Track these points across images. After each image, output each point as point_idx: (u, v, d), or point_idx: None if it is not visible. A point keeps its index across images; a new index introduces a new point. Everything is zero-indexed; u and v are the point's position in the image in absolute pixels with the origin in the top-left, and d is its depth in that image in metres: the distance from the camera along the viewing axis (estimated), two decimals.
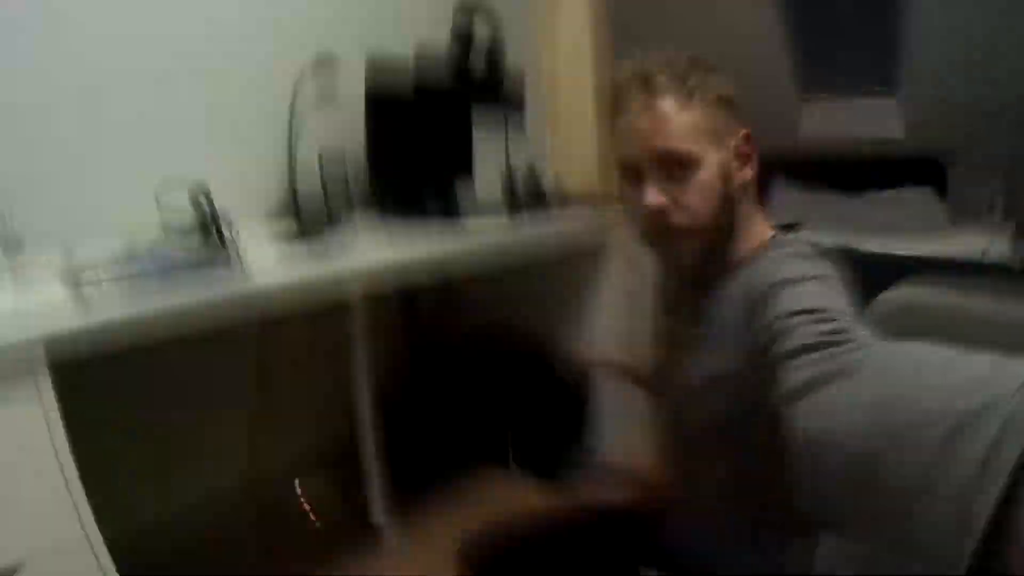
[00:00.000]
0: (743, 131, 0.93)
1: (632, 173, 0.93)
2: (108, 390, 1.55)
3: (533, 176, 2.20)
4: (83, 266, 0.97)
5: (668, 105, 0.89)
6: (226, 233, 1.13)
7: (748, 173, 0.94)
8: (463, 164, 2.07)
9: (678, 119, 0.89)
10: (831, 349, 0.66)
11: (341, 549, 1.71)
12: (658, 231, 0.94)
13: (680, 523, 1.17)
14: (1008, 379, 0.43)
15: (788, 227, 1.03)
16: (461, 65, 2.17)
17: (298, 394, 2.00)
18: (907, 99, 3.50)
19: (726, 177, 0.92)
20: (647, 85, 0.90)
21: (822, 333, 0.68)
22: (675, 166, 0.90)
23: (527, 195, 2.15)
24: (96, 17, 1.41)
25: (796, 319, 0.73)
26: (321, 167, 1.72)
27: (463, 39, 2.20)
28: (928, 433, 0.43)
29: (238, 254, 1.12)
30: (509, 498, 1.96)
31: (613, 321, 2.08)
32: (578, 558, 1.28)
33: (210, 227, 1.13)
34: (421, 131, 1.93)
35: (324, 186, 1.71)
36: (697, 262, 0.98)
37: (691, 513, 1.14)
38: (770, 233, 0.97)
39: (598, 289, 2.10)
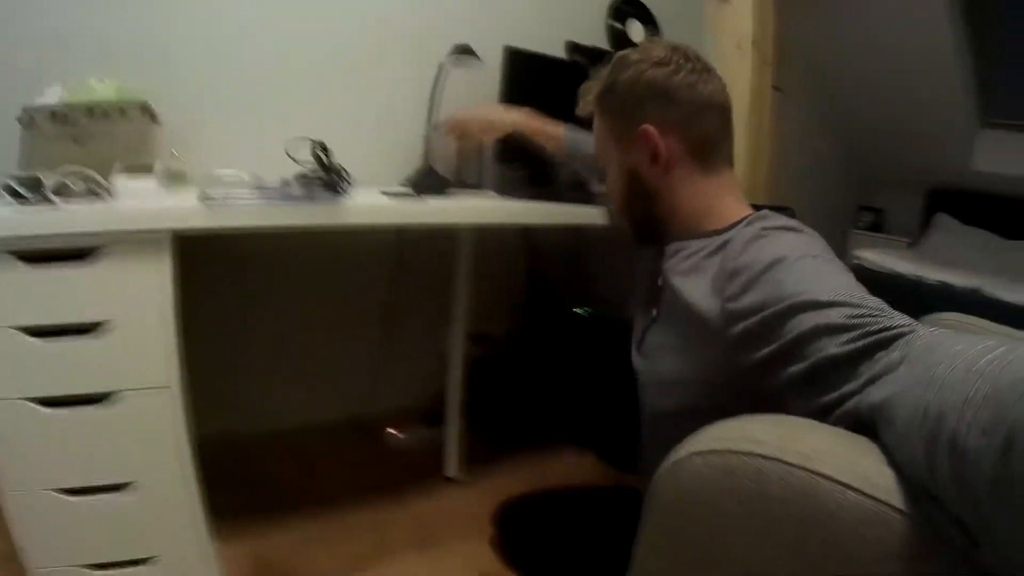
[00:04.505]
0: (639, 128, 0.93)
1: None
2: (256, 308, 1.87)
3: None
4: (216, 188, 1.22)
5: (593, 120, 1.06)
6: (337, 180, 1.34)
7: (660, 168, 0.94)
8: None
9: (594, 131, 1.06)
10: (878, 354, 0.60)
11: (413, 491, 1.79)
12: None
13: None
14: None
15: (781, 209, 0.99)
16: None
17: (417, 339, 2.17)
18: None
19: (632, 172, 0.98)
20: (583, 101, 1.06)
21: (858, 335, 0.62)
22: (605, 165, 1.06)
23: None
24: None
25: (816, 313, 0.66)
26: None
27: (615, 37, 2.29)
28: (983, 445, 0.40)
29: (340, 194, 1.32)
30: (579, 475, 1.97)
31: None
32: (598, 540, 1.26)
33: (325, 174, 1.35)
34: (557, 118, 1.98)
35: (458, 163, 1.87)
36: (636, 238, 1.08)
37: None
38: (744, 212, 0.94)
39: None
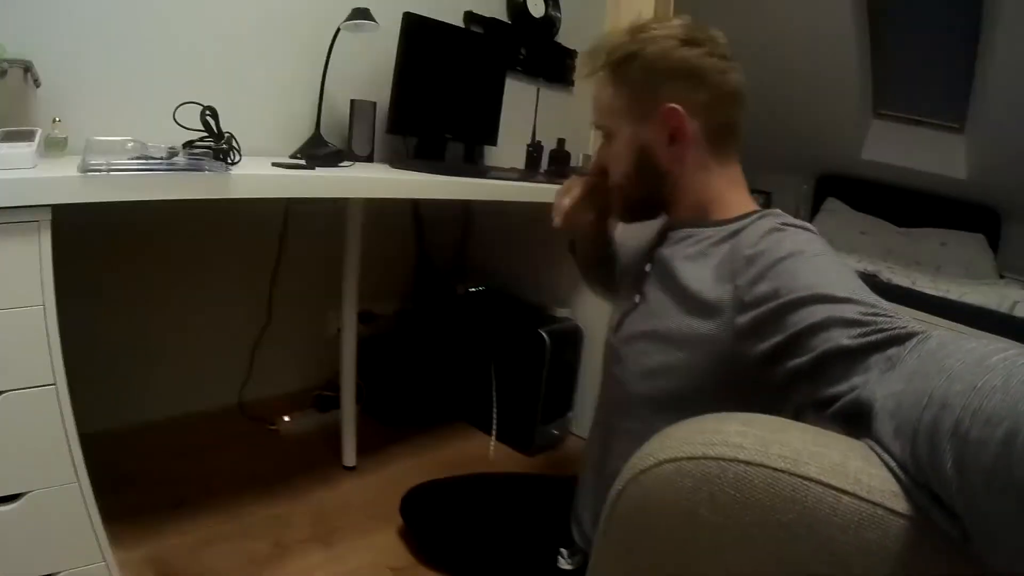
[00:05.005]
0: (665, 107, 0.92)
1: None
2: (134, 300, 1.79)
3: (562, 150, 2.30)
4: (96, 156, 1.20)
5: (598, 84, 1.00)
6: (227, 148, 1.34)
7: (677, 150, 0.94)
8: (488, 128, 2.17)
9: (600, 97, 1.00)
10: (891, 350, 0.61)
11: (310, 482, 1.75)
12: (604, 185, 1.06)
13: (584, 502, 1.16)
14: None
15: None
16: (508, 33, 2.29)
17: (304, 319, 2.14)
18: (975, 141, 3.29)
19: (644, 149, 0.96)
20: (591, 63, 1.00)
21: (871, 330, 0.63)
22: (606, 135, 1.02)
23: (554, 166, 2.25)
24: None
25: (830, 306, 0.67)
26: (351, 114, 1.88)
27: (514, 8, 2.32)
28: (986, 434, 0.40)
29: (230, 164, 1.32)
30: (477, 457, 1.99)
31: None
32: (509, 526, 1.32)
33: (215, 142, 1.35)
34: (452, 90, 2.02)
35: (349, 131, 1.88)
36: (627, 215, 1.07)
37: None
38: (753, 206, 0.96)
39: None
